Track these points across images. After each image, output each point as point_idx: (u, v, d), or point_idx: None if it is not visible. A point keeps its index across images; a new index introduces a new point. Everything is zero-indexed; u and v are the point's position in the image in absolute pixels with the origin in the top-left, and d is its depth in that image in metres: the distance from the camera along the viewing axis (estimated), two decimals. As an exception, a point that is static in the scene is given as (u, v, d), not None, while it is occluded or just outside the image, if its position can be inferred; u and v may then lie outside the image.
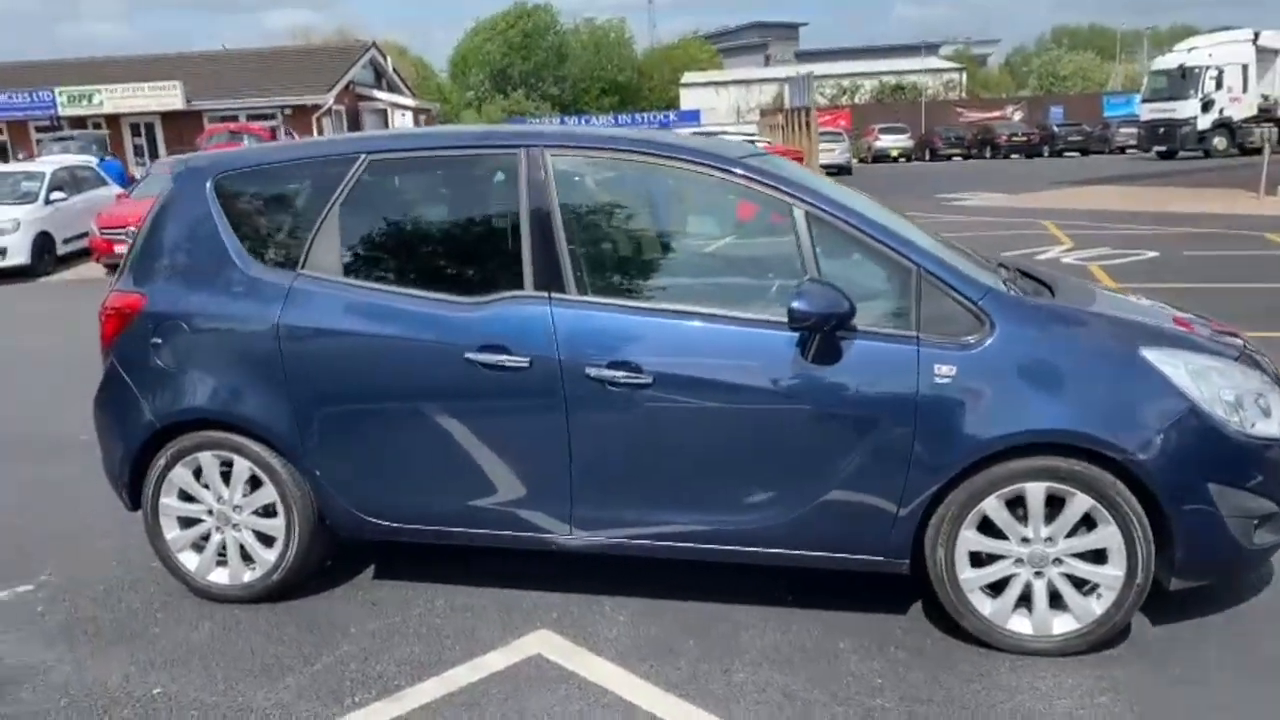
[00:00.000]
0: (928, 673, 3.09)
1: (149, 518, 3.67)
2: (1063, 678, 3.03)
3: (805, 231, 3.18)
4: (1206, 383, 3.03)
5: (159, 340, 3.54)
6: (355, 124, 31.83)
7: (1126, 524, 3.00)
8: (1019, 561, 3.13)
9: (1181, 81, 32.06)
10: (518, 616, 3.53)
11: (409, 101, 38.08)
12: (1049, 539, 3.09)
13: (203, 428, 3.55)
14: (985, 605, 3.17)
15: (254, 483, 3.57)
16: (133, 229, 14.26)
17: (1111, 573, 3.06)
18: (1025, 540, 3.11)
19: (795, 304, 2.98)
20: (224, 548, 3.66)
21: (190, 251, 3.59)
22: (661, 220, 3.75)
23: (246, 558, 3.65)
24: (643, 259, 3.56)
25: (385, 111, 35.10)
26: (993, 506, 3.09)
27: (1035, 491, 3.05)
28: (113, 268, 14.76)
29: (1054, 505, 3.07)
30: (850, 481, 3.13)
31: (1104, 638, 3.12)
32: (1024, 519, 3.10)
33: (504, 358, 3.24)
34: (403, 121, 35.38)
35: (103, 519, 4.60)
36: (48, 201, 15.59)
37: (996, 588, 3.17)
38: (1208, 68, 31.63)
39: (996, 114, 45.75)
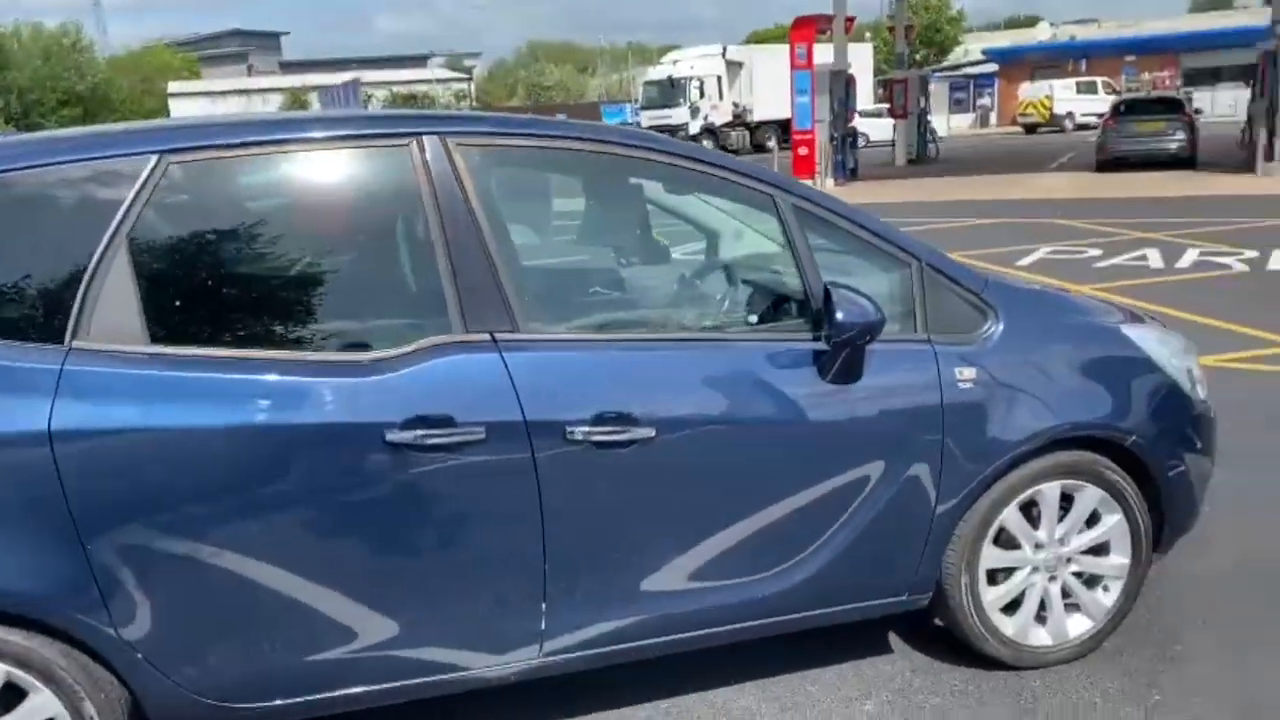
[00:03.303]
0: (1010, 717, 2.74)
1: None
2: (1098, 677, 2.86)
3: (796, 228, 2.63)
4: (1174, 356, 3.03)
5: None
6: None
7: (1130, 510, 2.90)
8: (1034, 570, 2.89)
9: (671, 90, 35.66)
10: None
11: None
12: (1061, 540, 2.89)
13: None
14: (1008, 625, 2.89)
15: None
16: None
17: (1119, 562, 2.94)
18: (1039, 546, 2.88)
19: (840, 315, 2.43)
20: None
21: None
22: (619, 225, 2.94)
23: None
24: (604, 276, 2.76)
25: None
26: (1011, 515, 2.82)
27: (1050, 491, 2.83)
28: None
29: (1062, 503, 2.88)
30: (884, 514, 2.66)
31: (1112, 631, 3.00)
32: (1035, 524, 2.87)
33: (445, 432, 2.27)
34: None
35: None
36: None
37: (1014, 604, 2.91)
38: (691, 78, 35.46)
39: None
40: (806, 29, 21.04)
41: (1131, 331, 3.01)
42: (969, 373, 2.69)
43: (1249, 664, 2.89)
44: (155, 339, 2.21)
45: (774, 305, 2.74)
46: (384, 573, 2.33)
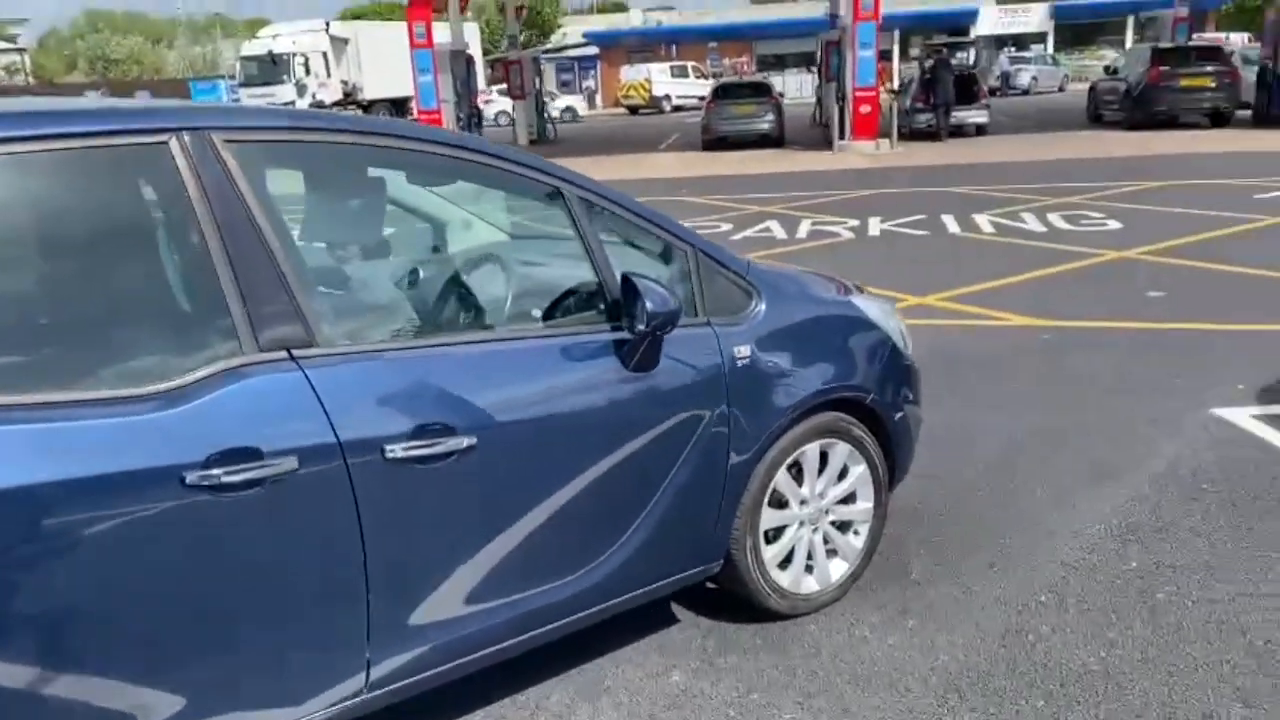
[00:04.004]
0: (801, 662, 2.96)
1: None
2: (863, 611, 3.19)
3: (585, 219, 2.63)
4: (888, 318, 3.42)
5: None
6: None
7: (871, 459, 3.25)
8: (801, 525, 3.16)
9: (274, 67, 33.50)
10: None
11: None
12: (820, 494, 3.18)
13: None
14: (784, 579, 3.13)
15: None
16: None
17: (865, 507, 3.28)
18: (803, 502, 3.14)
19: (650, 305, 2.47)
20: None
21: None
22: (409, 221, 2.70)
23: None
24: (394, 277, 2.54)
25: None
26: (781, 477, 3.05)
27: (812, 451, 3.10)
28: None
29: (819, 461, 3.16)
30: (688, 490, 2.77)
31: (863, 570, 3.35)
32: (799, 482, 3.13)
33: (255, 466, 2.02)
34: None
35: None
36: None
37: (787, 558, 3.16)
38: (295, 54, 33.55)
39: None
40: (423, 8, 20.73)
41: (858, 300, 3.36)
42: (744, 350, 2.86)
43: (965, 577, 3.38)
44: None
45: (565, 298, 2.72)
46: (181, 637, 2.02)
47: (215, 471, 1.97)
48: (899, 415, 3.35)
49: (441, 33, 22.20)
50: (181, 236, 2.10)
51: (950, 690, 2.79)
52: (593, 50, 48.29)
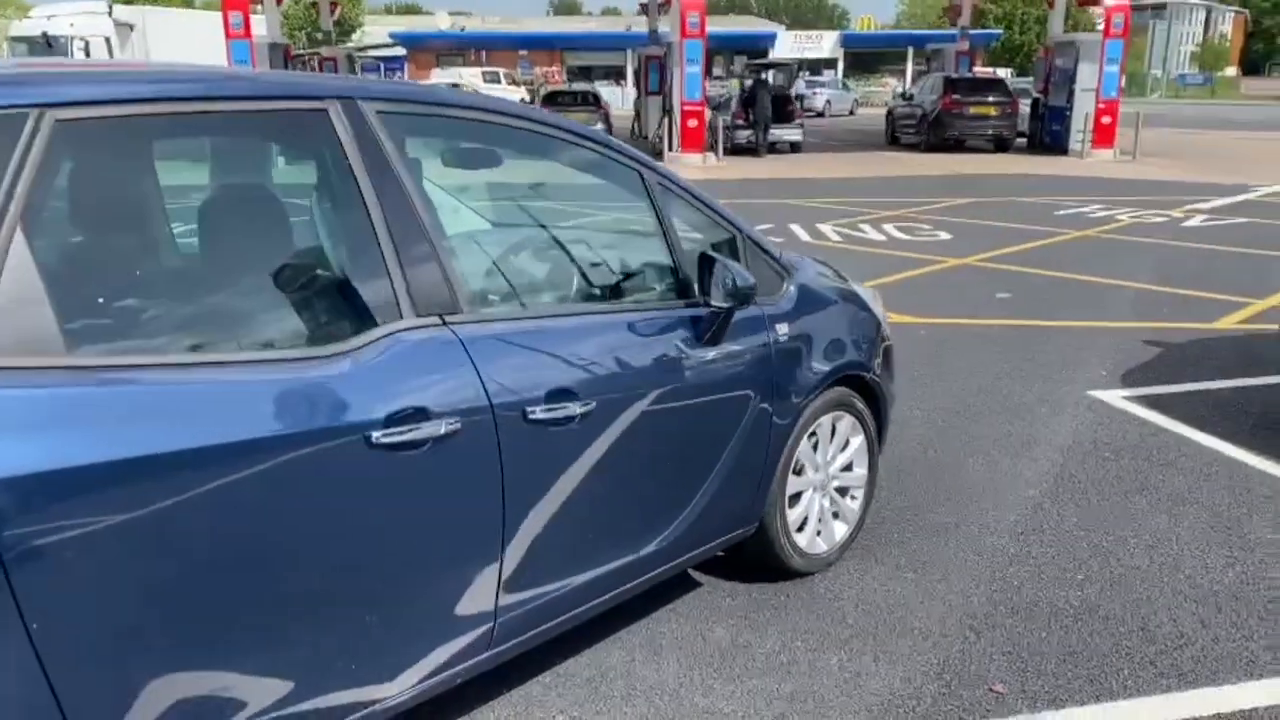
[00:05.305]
0: (830, 613, 3.22)
1: None
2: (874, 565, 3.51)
3: (663, 203, 2.81)
4: (875, 304, 3.76)
5: None
6: None
7: (868, 431, 3.58)
8: (814, 490, 3.44)
9: (50, 50, 30.95)
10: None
11: None
12: (829, 462, 3.47)
13: None
14: (801, 540, 3.40)
15: None
16: None
17: (861, 473, 3.61)
18: (816, 469, 3.43)
19: (738, 281, 2.68)
20: None
21: None
22: (534, 199, 2.74)
23: None
24: (531, 250, 2.61)
25: None
26: (803, 447, 3.32)
27: (827, 422, 3.39)
28: None
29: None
30: (745, 455, 3.00)
31: (859, 532, 3.67)
32: (815, 451, 3.41)
33: (425, 425, 2.08)
34: None
35: None
36: None
37: (802, 521, 3.42)
38: (73, 37, 31.19)
39: None
40: (240, -3, 19.74)
41: (857, 286, 3.69)
42: (784, 327, 3.12)
43: (940, 536, 3.77)
44: (70, 346, 1.70)
45: (636, 276, 2.88)
46: (339, 590, 2.05)
47: (394, 430, 2.02)
48: (886, 393, 3.69)
49: (257, 25, 21.24)
50: (345, 202, 2.13)
51: (966, 629, 3.14)
52: (400, 51, 47.27)
